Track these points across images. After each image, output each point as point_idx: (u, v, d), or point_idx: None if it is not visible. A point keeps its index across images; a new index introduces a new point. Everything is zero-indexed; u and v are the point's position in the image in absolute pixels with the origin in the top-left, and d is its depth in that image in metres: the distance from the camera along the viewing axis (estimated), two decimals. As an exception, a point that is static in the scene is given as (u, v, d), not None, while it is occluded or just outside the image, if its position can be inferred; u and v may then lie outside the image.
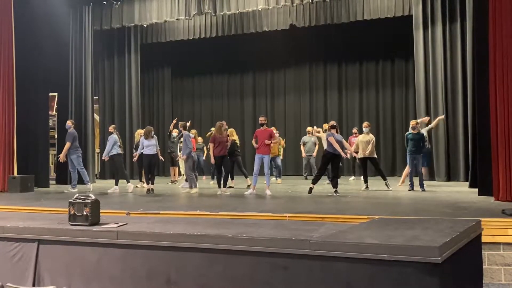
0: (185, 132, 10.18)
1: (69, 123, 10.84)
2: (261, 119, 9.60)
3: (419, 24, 12.38)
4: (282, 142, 12.89)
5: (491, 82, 7.66)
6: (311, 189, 9.11)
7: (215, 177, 11.20)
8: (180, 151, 11.57)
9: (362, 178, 10.45)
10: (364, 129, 10.36)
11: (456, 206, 7.09)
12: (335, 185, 9.05)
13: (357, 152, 10.25)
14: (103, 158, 10.90)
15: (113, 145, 10.41)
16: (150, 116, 16.69)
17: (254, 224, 5.21)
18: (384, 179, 9.95)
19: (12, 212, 7.15)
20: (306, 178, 12.89)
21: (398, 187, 10.30)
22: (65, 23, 13.00)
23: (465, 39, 11.42)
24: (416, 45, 12.47)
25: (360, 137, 10.35)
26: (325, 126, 11.29)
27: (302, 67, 15.63)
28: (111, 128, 10.86)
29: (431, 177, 11.96)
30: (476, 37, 8.65)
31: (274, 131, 12.05)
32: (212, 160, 9.75)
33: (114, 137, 10.49)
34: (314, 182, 9.25)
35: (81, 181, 10.81)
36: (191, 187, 9.93)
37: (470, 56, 10.34)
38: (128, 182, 10.63)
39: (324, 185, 10.47)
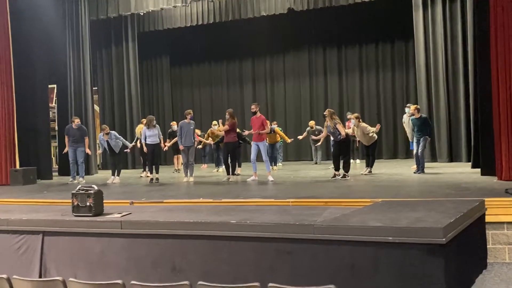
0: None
1: (78, 121, 10.69)
2: (253, 107, 9.48)
3: (419, 4, 12.23)
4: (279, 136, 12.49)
5: (493, 61, 7.58)
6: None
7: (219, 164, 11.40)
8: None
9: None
10: (352, 121, 9.99)
11: (459, 187, 7.09)
12: (343, 168, 9.02)
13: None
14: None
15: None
16: (149, 105, 16.62)
17: (258, 210, 5.22)
18: (367, 166, 9.80)
19: (16, 204, 7.17)
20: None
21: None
22: (61, 14, 12.85)
23: (465, 18, 11.30)
24: (416, 26, 12.34)
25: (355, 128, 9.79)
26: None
27: (301, 51, 15.49)
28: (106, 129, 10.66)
29: (433, 158, 11.94)
30: (477, 15, 8.54)
31: (275, 126, 12.11)
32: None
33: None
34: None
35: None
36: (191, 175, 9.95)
37: (471, 35, 10.24)
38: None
39: (328, 170, 10.47)
